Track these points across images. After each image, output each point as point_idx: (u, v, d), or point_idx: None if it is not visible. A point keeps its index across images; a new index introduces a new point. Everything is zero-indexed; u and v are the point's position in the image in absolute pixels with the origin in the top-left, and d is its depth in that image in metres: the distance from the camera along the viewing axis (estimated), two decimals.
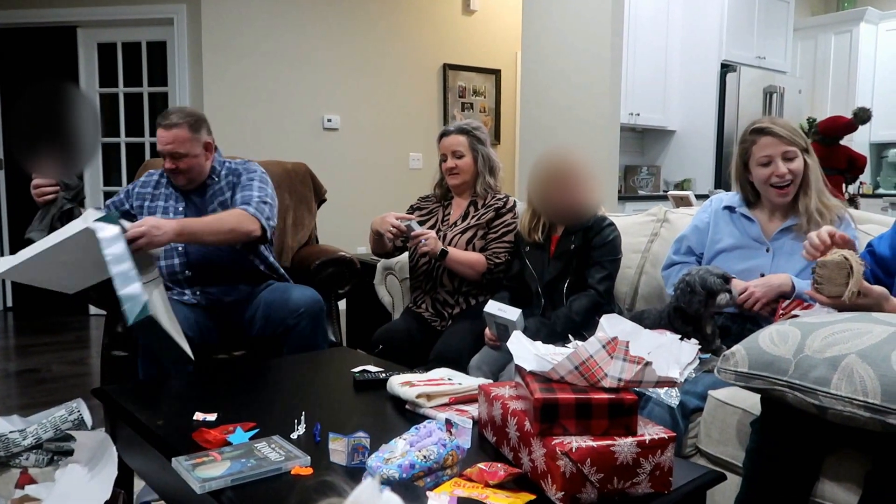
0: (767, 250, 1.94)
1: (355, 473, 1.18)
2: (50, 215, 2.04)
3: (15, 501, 1.71)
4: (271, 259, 2.49)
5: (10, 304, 4.87)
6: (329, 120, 4.88)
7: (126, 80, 4.62)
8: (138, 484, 1.83)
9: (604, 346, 1.16)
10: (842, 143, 4.73)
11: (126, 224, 1.91)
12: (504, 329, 2.04)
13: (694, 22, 5.12)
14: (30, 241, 1.92)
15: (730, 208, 2.05)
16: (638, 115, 4.93)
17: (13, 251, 5.05)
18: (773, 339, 1.33)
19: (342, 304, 3.10)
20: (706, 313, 1.82)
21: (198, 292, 2.34)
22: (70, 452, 1.69)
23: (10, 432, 2.25)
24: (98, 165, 4.68)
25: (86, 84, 4.59)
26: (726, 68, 5.07)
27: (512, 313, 1.98)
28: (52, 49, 4.60)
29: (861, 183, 5.93)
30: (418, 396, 1.49)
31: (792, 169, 1.88)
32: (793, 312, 1.83)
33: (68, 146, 1.97)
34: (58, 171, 2.01)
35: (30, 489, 1.80)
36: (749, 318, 1.89)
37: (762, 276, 1.90)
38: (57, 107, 1.95)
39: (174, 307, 2.14)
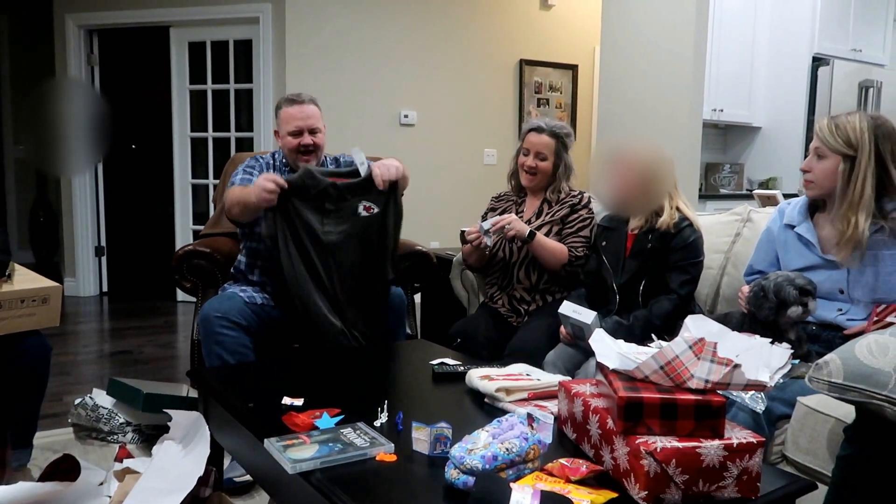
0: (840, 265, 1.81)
1: (438, 462, 1.21)
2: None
3: (118, 473, 1.83)
4: None
5: (105, 289, 5.18)
6: (406, 115, 4.95)
7: (214, 78, 4.82)
8: (225, 461, 1.93)
9: (690, 347, 1.14)
10: None
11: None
12: (579, 329, 2.03)
13: (784, 13, 4.89)
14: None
15: (789, 226, 1.94)
16: (721, 110, 4.76)
17: (110, 245, 5.26)
18: (871, 350, 1.27)
19: (417, 298, 3.14)
20: (781, 322, 1.72)
21: (267, 288, 2.32)
22: (165, 430, 1.79)
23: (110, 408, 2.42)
24: (187, 159, 4.91)
25: (177, 81, 4.82)
26: (818, 62, 4.83)
27: (587, 316, 1.96)
28: (147, 48, 4.86)
29: None
30: (497, 390, 1.50)
31: None
32: (888, 319, 1.74)
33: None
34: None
35: (129, 462, 1.92)
36: (841, 327, 1.80)
37: (841, 292, 1.81)
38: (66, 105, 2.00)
39: (239, 306, 2.19)
